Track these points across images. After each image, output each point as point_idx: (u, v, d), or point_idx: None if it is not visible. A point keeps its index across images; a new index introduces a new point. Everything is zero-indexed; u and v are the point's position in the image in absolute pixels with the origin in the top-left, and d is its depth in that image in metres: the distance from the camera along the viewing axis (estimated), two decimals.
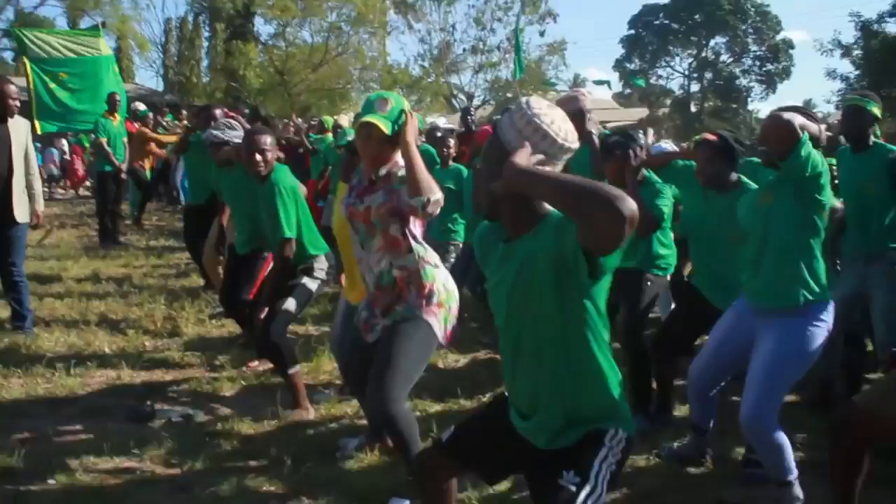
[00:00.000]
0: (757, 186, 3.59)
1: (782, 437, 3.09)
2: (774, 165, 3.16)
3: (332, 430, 4.07)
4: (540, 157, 1.92)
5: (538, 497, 2.09)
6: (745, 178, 3.73)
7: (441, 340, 3.08)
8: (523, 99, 2.02)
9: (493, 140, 2.01)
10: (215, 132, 4.89)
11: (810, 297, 3.10)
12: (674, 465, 3.70)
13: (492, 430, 2.26)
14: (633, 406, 4.09)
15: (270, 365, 4.98)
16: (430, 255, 3.12)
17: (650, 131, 7.75)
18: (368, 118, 2.92)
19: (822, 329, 3.09)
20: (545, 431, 2.07)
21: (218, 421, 4.19)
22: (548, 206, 1.97)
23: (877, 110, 4.14)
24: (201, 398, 4.55)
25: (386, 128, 2.93)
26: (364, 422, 4.00)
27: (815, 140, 3.08)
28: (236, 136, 4.83)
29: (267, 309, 4.19)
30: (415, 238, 3.07)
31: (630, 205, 1.61)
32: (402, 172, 2.96)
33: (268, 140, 4.27)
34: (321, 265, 4.43)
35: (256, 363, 5.11)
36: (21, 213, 5.48)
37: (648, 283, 4.23)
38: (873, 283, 4.08)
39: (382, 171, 3.07)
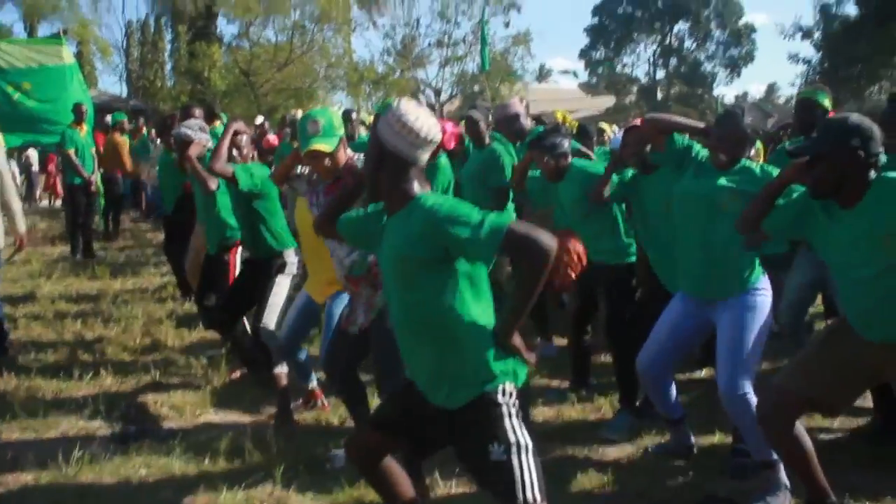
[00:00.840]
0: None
1: None
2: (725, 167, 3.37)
3: (322, 440, 4.05)
4: None
5: (482, 481, 2.34)
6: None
7: None
8: (394, 102, 2.41)
9: (372, 135, 2.40)
10: (187, 130, 4.86)
11: (756, 279, 3.34)
12: (662, 460, 3.75)
13: (409, 398, 2.50)
14: (620, 400, 4.17)
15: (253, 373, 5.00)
16: None
17: (612, 127, 7.79)
18: (309, 147, 3.19)
19: (767, 296, 3.36)
20: (430, 389, 2.38)
21: (202, 435, 4.17)
22: (418, 188, 2.36)
23: (828, 102, 4.22)
24: (186, 412, 4.52)
25: (326, 146, 3.20)
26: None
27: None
28: (206, 138, 4.89)
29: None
30: None
31: (546, 245, 2.11)
32: (359, 163, 3.21)
33: (243, 138, 4.52)
34: (292, 259, 4.56)
35: (238, 374, 5.09)
36: None
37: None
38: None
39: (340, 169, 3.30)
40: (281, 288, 4.49)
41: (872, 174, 2.69)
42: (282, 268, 4.51)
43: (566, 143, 4.33)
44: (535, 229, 2.14)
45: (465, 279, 2.29)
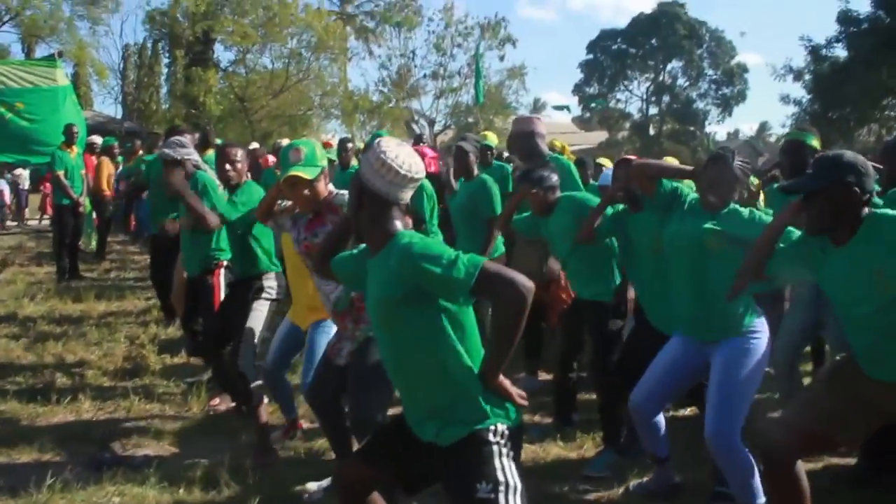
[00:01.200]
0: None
1: (749, 458, 3.16)
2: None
3: (300, 472, 3.98)
4: None
5: None
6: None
7: None
8: (376, 141, 2.39)
9: (355, 176, 2.40)
10: (167, 150, 4.82)
11: (751, 322, 3.29)
12: (644, 499, 3.70)
13: (400, 432, 2.46)
14: (603, 440, 4.12)
15: (233, 403, 4.93)
16: None
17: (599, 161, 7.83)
18: (289, 173, 3.19)
19: (763, 339, 3.29)
20: (420, 425, 2.34)
21: (179, 463, 4.10)
22: (399, 226, 2.33)
23: (816, 143, 4.23)
24: (164, 440, 4.45)
25: (306, 174, 3.20)
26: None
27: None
28: (187, 153, 4.84)
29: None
30: None
31: (522, 287, 2.08)
32: (339, 199, 3.24)
33: (238, 152, 4.47)
34: (271, 283, 4.44)
35: (218, 401, 5.02)
36: None
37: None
38: (826, 311, 4.09)
39: (331, 199, 3.31)
40: (258, 314, 4.37)
41: (865, 211, 2.69)
42: (259, 291, 4.39)
43: (554, 177, 4.34)
44: (510, 271, 2.11)
45: (448, 318, 2.25)
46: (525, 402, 2.29)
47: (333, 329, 3.81)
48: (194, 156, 4.91)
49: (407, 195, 2.37)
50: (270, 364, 4.13)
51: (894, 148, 3.63)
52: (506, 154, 7.87)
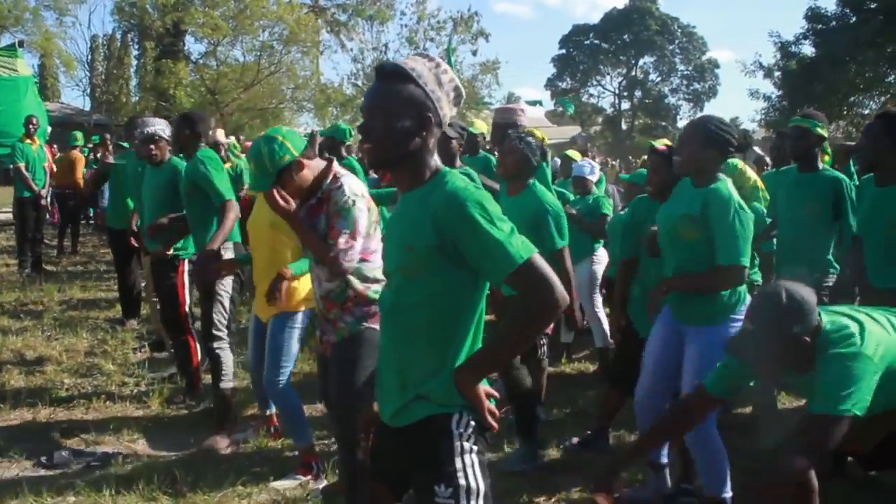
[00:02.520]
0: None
1: (722, 450, 3.17)
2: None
3: (260, 471, 3.93)
4: None
5: None
6: None
7: None
8: (423, 54, 2.02)
9: (403, 88, 1.92)
10: (139, 129, 4.88)
11: (738, 309, 3.19)
12: None
13: (380, 435, 2.17)
14: (521, 432, 4.06)
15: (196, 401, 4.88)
16: (378, 274, 2.99)
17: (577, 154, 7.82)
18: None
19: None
20: (389, 398, 2.02)
21: (139, 461, 4.04)
22: (439, 163, 1.97)
23: (822, 131, 4.22)
24: (124, 437, 4.38)
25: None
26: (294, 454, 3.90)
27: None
28: (160, 127, 4.87)
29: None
30: (362, 259, 3.01)
31: (560, 297, 1.81)
32: (340, 197, 2.97)
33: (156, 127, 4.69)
34: (229, 256, 4.43)
35: (181, 398, 4.95)
36: None
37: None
38: None
39: (325, 185, 3.05)
40: (223, 295, 4.39)
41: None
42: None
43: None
44: (555, 275, 1.83)
45: (475, 289, 1.93)
46: (495, 425, 1.96)
47: (298, 325, 3.75)
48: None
49: (453, 112, 2.04)
50: (251, 359, 4.04)
51: (874, 128, 3.62)
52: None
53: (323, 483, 3.72)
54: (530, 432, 4.05)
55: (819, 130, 4.20)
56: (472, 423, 1.95)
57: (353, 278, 3.01)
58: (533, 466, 3.95)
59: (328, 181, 3.05)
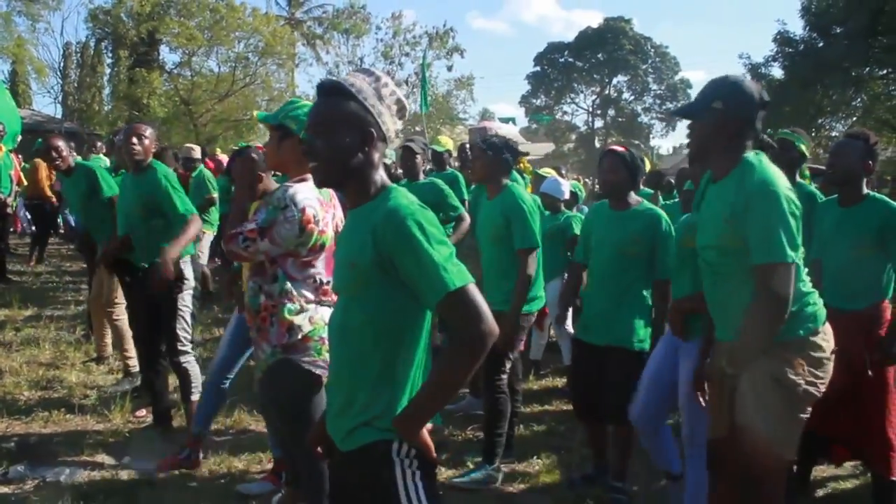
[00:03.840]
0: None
1: (670, 435, 3.44)
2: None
3: (223, 485, 3.90)
4: None
5: None
6: (645, 203, 3.82)
7: (317, 371, 2.85)
8: (366, 70, 2.02)
9: (340, 103, 1.91)
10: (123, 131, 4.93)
11: None
12: None
13: (334, 458, 2.10)
14: (484, 452, 4.08)
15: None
16: (298, 295, 2.88)
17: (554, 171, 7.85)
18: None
19: None
20: (334, 422, 1.98)
21: (97, 478, 3.97)
22: (385, 179, 1.93)
23: (804, 148, 4.26)
24: (83, 452, 4.30)
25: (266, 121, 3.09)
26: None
27: None
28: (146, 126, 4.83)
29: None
30: (285, 271, 2.87)
31: (489, 329, 1.75)
32: (276, 195, 2.87)
33: (148, 129, 4.46)
34: (188, 271, 4.42)
35: (144, 412, 4.89)
36: None
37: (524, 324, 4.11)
38: None
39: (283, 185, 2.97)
40: (183, 307, 4.38)
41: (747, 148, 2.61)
42: (179, 280, 4.31)
43: None
44: (487, 309, 1.78)
45: (416, 308, 1.87)
46: (437, 461, 1.90)
47: None
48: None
49: (397, 127, 2.01)
50: (215, 367, 3.95)
51: (847, 147, 3.67)
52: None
53: (279, 495, 3.67)
54: (494, 454, 4.06)
55: (801, 147, 4.26)
56: (416, 451, 1.88)
57: (271, 283, 2.88)
58: (486, 485, 3.98)
59: (291, 181, 2.96)
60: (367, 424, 1.88)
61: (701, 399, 3.02)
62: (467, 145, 6.57)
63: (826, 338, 2.58)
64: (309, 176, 2.94)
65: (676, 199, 5.71)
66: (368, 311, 1.87)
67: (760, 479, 2.55)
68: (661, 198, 6.15)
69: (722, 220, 2.49)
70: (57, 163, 4.95)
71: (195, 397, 4.28)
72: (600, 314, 3.73)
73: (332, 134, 1.90)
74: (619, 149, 3.89)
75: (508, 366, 4.08)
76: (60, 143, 5.24)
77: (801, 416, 2.53)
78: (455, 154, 7.70)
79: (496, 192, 4.11)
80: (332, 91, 1.93)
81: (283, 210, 2.80)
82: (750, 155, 2.56)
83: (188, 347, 4.37)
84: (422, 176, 5.63)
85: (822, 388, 2.54)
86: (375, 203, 1.89)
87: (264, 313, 2.90)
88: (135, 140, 4.39)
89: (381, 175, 1.94)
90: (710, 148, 2.59)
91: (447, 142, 7.24)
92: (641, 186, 6.90)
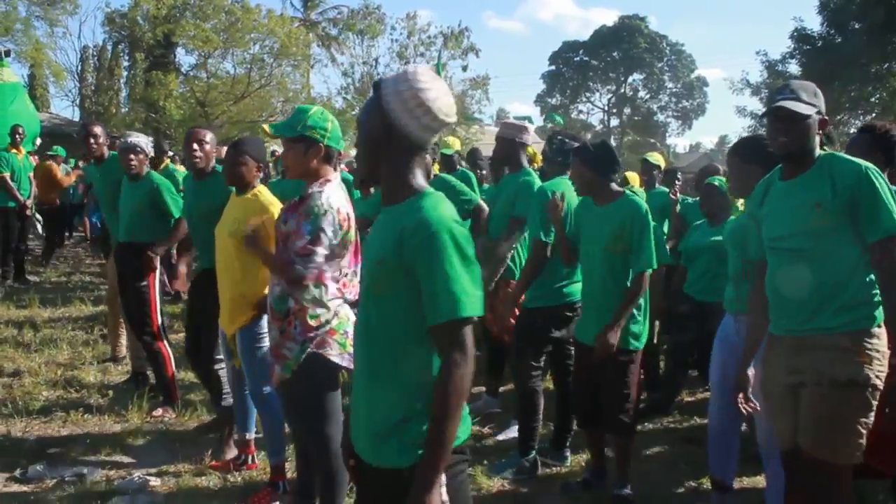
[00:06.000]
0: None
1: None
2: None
3: (248, 484, 3.89)
4: None
5: None
6: (627, 193, 3.75)
7: (345, 364, 2.93)
8: (410, 68, 1.97)
9: (374, 107, 1.92)
10: (122, 139, 4.97)
11: None
12: None
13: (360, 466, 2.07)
14: (519, 443, 4.14)
15: (173, 414, 4.85)
16: (328, 303, 2.93)
17: None
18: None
19: None
20: (357, 431, 1.97)
21: (115, 478, 3.98)
22: (421, 179, 1.93)
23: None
24: (101, 452, 4.32)
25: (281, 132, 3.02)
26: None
27: None
28: (143, 141, 4.94)
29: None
30: (317, 280, 2.91)
31: (463, 379, 1.74)
32: (314, 202, 2.90)
33: (207, 134, 4.40)
34: None
35: (160, 412, 4.91)
36: None
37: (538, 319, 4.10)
38: None
39: (309, 189, 2.98)
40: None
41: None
42: None
43: None
44: (472, 348, 1.78)
45: None
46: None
47: (264, 330, 3.51)
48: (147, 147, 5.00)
49: (433, 140, 2.00)
50: (228, 374, 3.97)
51: (849, 144, 3.64)
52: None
53: None
54: (528, 447, 4.13)
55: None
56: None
57: (299, 291, 2.91)
58: (520, 476, 4.05)
59: (316, 185, 2.98)
60: (391, 435, 1.85)
61: (748, 407, 2.99)
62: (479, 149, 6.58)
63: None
64: (333, 176, 2.98)
65: (697, 199, 5.64)
66: (389, 313, 1.86)
67: (830, 484, 2.56)
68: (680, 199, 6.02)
69: (813, 206, 2.55)
70: (133, 164, 4.86)
71: (227, 403, 4.25)
72: (596, 316, 3.67)
73: (362, 133, 1.95)
74: (576, 144, 3.95)
75: (539, 360, 4.12)
76: (98, 130, 5.37)
77: (871, 414, 2.52)
78: (465, 155, 7.71)
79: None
80: (374, 88, 1.95)
81: (325, 215, 2.88)
82: (824, 150, 2.68)
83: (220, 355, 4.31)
84: (432, 176, 5.61)
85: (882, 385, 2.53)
86: (407, 205, 1.88)
87: (291, 317, 2.95)
88: (132, 157, 4.62)
89: (416, 178, 1.92)
90: (808, 148, 2.65)
91: (455, 142, 7.23)
92: (658, 185, 6.89)
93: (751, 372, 3.00)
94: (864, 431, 2.52)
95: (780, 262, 2.67)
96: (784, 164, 2.72)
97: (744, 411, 3.00)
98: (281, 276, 2.93)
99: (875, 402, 2.52)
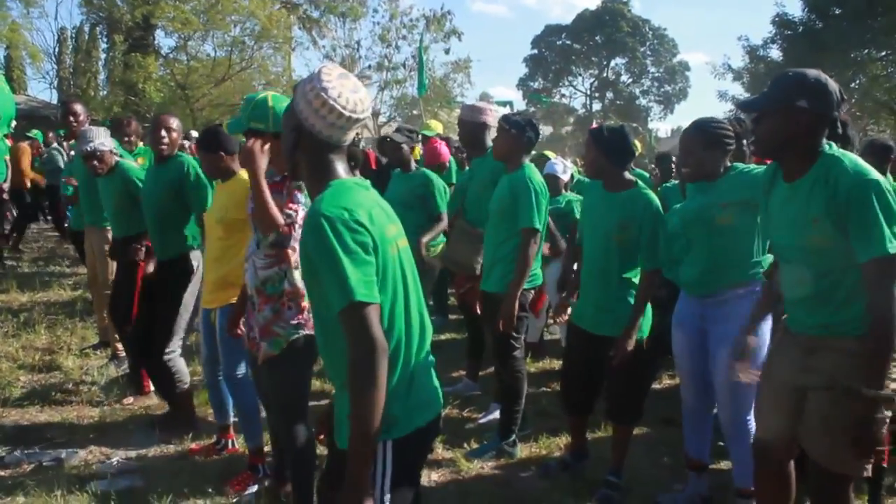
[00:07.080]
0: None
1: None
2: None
3: (226, 468, 3.89)
4: None
5: None
6: (641, 185, 3.67)
7: None
8: (318, 67, 2.03)
9: (289, 108, 2.01)
10: (82, 146, 4.77)
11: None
12: None
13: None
14: (500, 427, 4.15)
15: (147, 399, 4.82)
16: None
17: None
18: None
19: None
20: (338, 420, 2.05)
21: (94, 463, 3.97)
22: (341, 172, 1.98)
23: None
24: (80, 437, 4.31)
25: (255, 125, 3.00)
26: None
27: None
28: (101, 143, 4.78)
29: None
30: None
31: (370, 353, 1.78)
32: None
33: (175, 122, 4.43)
34: (197, 258, 4.41)
35: (132, 399, 4.88)
36: None
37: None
38: None
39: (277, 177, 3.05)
40: (185, 302, 4.36)
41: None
42: (187, 274, 4.37)
43: None
44: (376, 332, 1.80)
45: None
46: None
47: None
48: (107, 145, 4.81)
49: (349, 136, 2.01)
50: (205, 356, 3.94)
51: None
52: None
53: (254, 488, 3.64)
54: (510, 430, 4.17)
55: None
56: (388, 447, 1.92)
57: (294, 271, 2.98)
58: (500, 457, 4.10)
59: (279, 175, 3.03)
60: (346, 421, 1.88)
61: (744, 376, 2.97)
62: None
63: None
64: None
65: (676, 183, 5.67)
66: (317, 299, 1.96)
67: (833, 486, 2.52)
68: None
69: (811, 220, 2.39)
70: (99, 168, 4.73)
71: (180, 389, 4.37)
72: (593, 302, 3.66)
73: (283, 136, 2.04)
74: (594, 127, 3.89)
75: (519, 344, 4.14)
76: (79, 108, 5.52)
77: (882, 418, 2.42)
78: (456, 136, 7.69)
79: (514, 169, 4.05)
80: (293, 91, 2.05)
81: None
82: (827, 148, 2.47)
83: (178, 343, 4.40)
84: (413, 166, 5.62)
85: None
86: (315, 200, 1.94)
87: (284, 299, 3.00)
88: (95, 163, 4.64)
89: (332, 173, 1.97)
90: (789, 146, 2.47)
91: (437, 125, 7.21)
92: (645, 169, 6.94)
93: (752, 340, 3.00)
94: (875, 439, 2.39)
95: (787, 266, 2.59)
96: (779, 164, 2.59)
97: (745, 380, 2.96)
98: (264, 214, 2.90)
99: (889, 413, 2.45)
